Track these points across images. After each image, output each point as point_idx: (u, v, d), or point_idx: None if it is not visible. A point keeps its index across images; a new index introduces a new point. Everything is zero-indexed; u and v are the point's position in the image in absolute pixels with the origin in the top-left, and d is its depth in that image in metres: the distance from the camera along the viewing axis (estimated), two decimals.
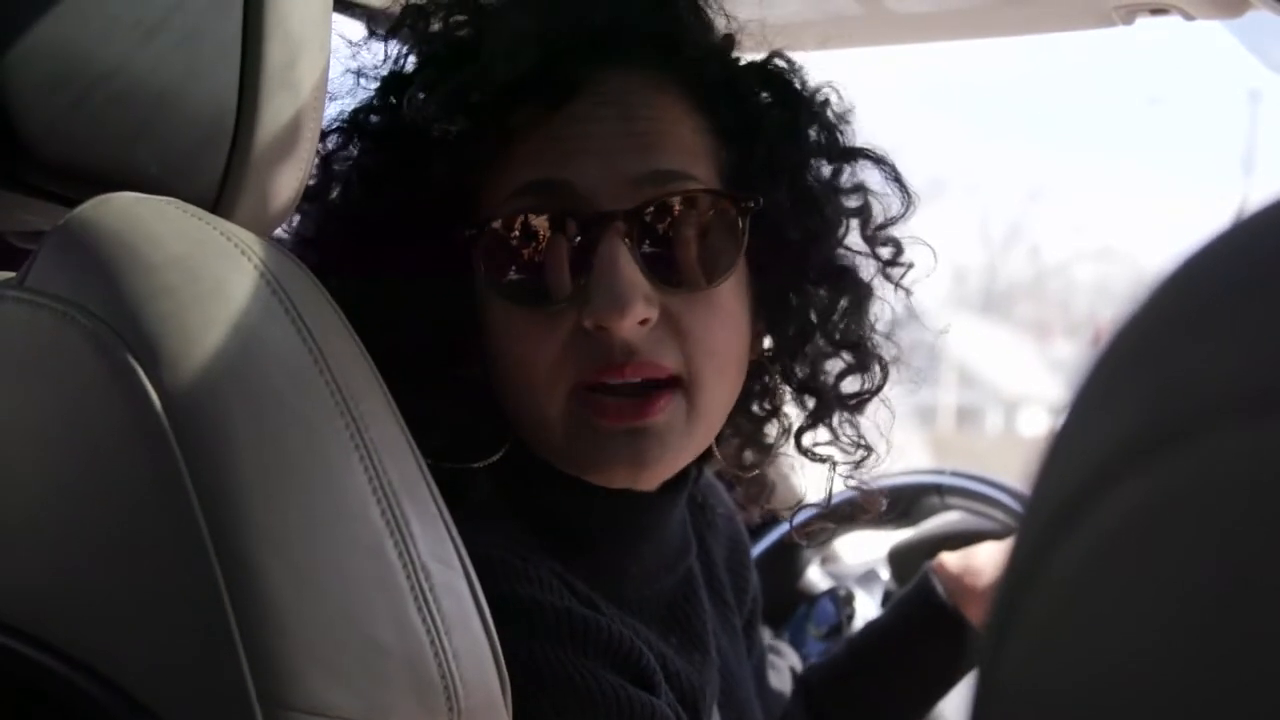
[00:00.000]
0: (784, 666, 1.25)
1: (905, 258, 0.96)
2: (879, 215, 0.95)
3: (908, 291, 0.97)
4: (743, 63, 0.94)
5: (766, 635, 1.57)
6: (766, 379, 0.99)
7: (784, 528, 1.58)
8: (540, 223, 0.83)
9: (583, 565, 0.87)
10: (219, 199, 0.67)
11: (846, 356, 0.96)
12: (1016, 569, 0.27)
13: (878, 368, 0.97)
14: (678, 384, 0.84)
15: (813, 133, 0.93)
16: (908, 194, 0.94)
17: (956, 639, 1.19)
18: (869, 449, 0.99)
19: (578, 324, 0.82)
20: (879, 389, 0.97)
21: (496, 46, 0.83)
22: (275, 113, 0.66)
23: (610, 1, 0.87)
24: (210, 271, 0.61)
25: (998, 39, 1.24)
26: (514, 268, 0.83)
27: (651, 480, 0.88)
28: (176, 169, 0.65)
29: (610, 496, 0.88)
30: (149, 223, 0.62)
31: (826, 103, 0.94)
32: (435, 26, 0.89)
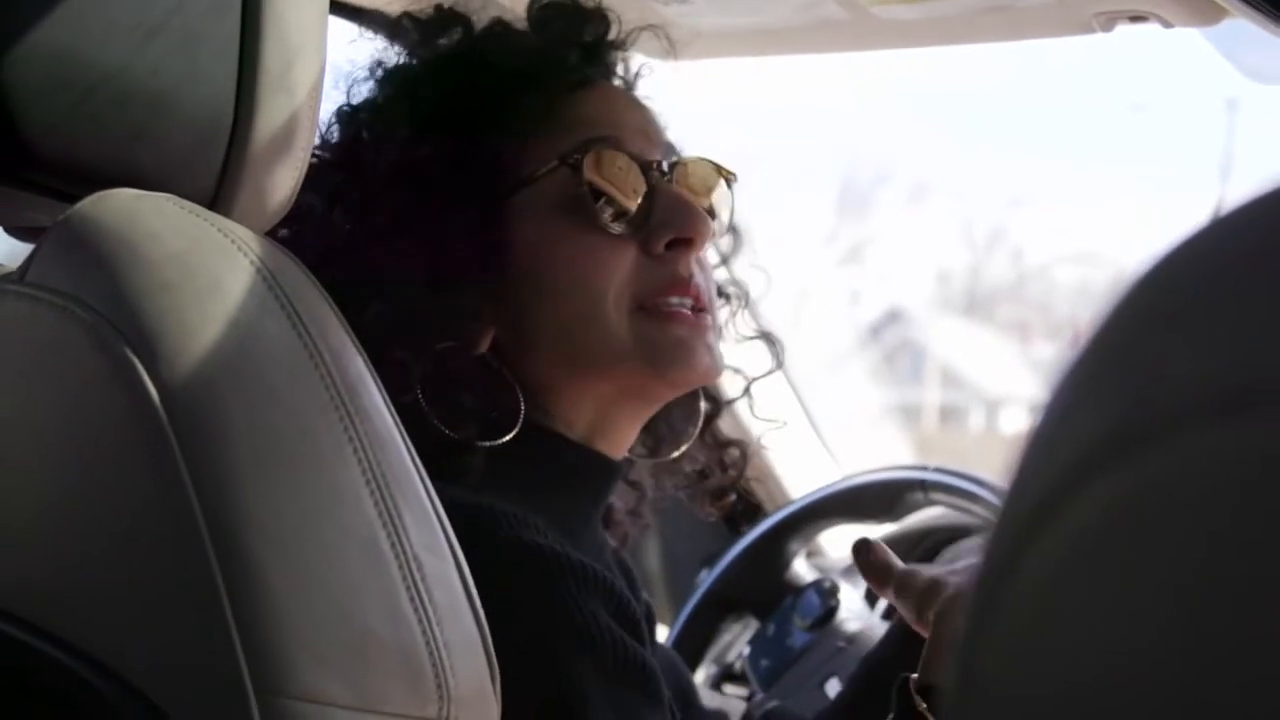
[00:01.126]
0: (739, 705, 1.26)
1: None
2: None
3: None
4: None
5: (745, 631, 1.59)
6: None
7: (770, 522, 1.59)
8: (617, 159, 0.97)
9: (561, 531, 0.91)
10: (216, 197, 0.68)
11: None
12: (994, 566, 0.27)
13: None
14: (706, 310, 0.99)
15: None
16: (738, 234, 1.18)
17: None
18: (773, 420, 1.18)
19: (643, 250, 0.96)
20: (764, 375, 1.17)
21: (536, 44, 1.02)
22: (272, 114, 0.67)
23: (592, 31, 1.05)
24: (208, 268, 0.62)
25: (982, 45, 1.25)
26: (591, 199, 0.95)
27: (714, 377, 1.01)
28: (175, 167, 0.66)
29: (598, 459, 0.98)
30: (148, 219, 0.63)
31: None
32: (443, 41, 1.04)
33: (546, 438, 0.96)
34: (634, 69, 1.09)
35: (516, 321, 0.96)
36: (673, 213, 0.96)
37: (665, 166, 0.99)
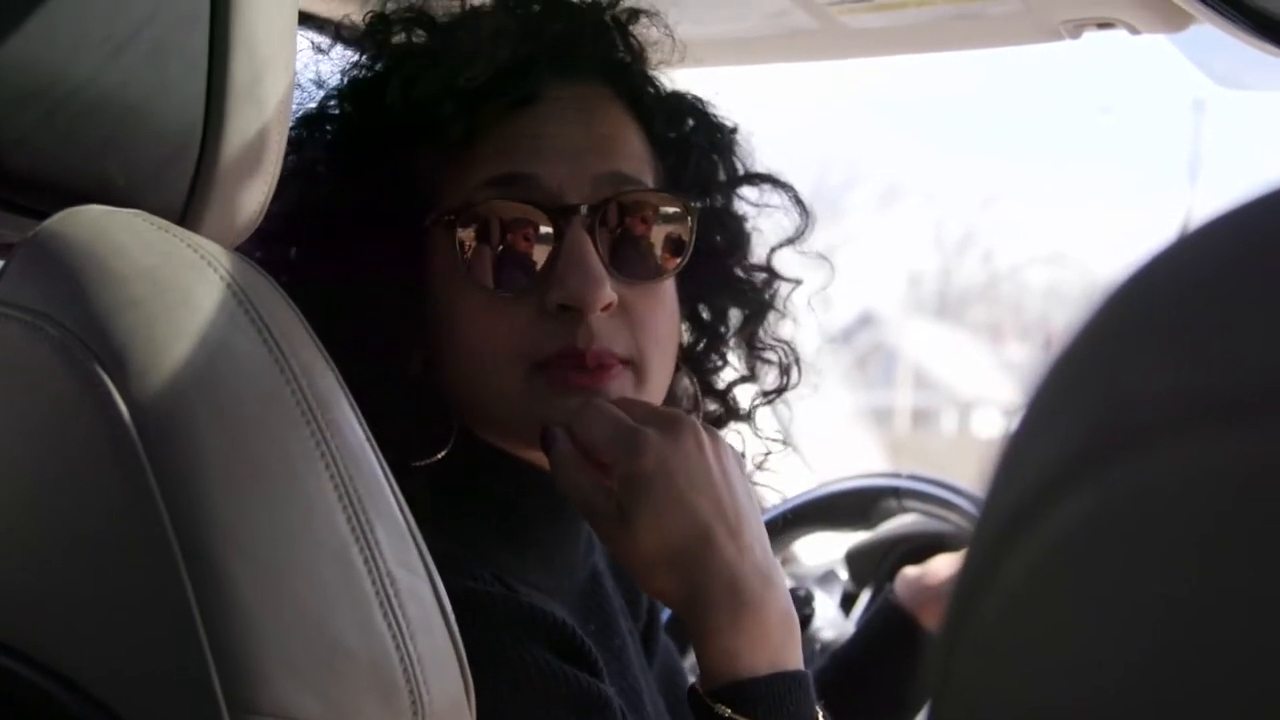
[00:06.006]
0: None
1: (796, 276, 1.07)
2: (781, 234, 1.05)
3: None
4: (668, 89, 1.02)
5: None
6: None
7: None
8: (510, 211, 0.89)
9: (514, 556, 0.91)
10: (186, 212, 0.67)
11: (747, 363, 1.06)
12: (968, 579, 0.28)
13: (779, 375, 1.06)
14: (628, 364, 0.90)
15: (725, 157, 1.03)
16: (806, 215, 1.04)
17: (920, 651, 1.20)
18: (778, 445, 1.07)
19: (539, 307, 0.89)
20: (779, 393, 1.07)
21: (466, 51, 0.90)
22: (241, 127, 0.67)
23: (565, 20, 0.94)
24: (177, 283, 0.61)
25: (951, 53, 1.26)
26: (482, 253, 0.89)
27: None
28: (144, 182, 0.66)
29: (546, 480, 0.91)
30: (117, 235, 0.62)
31: (735, 131, 1.04)
32: (398, 38, 0.95)
33: (498, 460, 0.93)
34: (626, 60, 0.98)
35: (436, 357, 0.93)
36: (565, 275, 0.88)
37: (585, 210, 0.89)
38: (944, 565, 1.26)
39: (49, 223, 0.63)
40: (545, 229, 0.89)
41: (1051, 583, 0.25)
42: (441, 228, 0.90)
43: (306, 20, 1.19)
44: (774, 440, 1.08)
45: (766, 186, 1.04)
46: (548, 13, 0.94)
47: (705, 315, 1.05)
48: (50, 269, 0.61)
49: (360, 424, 0.64)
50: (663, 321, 0.94)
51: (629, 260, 0.91)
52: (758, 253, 1.05)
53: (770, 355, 1.06)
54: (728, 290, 1.04)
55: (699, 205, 0.96)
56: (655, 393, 0.93)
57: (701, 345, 1.05)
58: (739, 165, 1.04)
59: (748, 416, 1.07)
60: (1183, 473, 0.23)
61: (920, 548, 1.44)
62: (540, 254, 0.89)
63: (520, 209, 0.89)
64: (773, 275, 1.05)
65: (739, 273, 1.04)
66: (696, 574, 0.83)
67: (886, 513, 1.53)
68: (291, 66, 0.70)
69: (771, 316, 1.06)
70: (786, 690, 0.84)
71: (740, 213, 1.04)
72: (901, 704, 1.20)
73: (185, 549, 0.57)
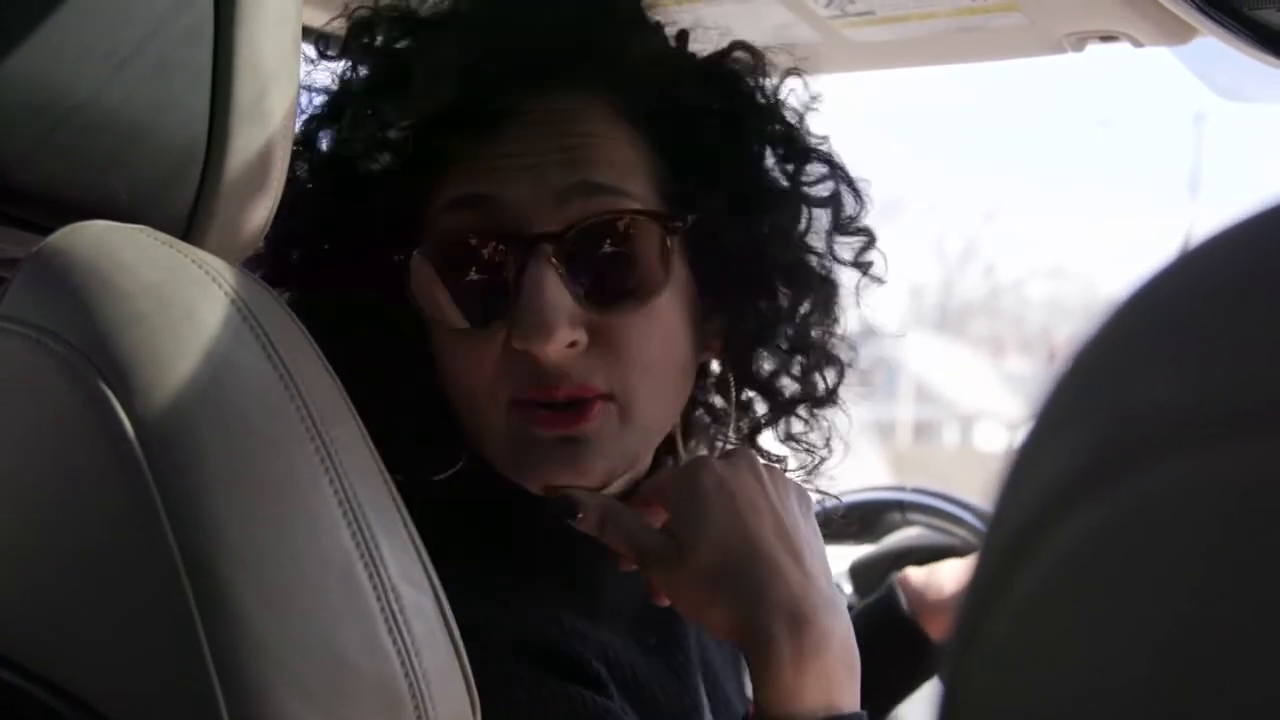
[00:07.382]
0: None
1: (868, 256, 0.97)
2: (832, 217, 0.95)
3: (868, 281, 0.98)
4: (693, 60, 0.93)
5: None
6: (722, 377, 1.00)
7: None
8: (469, 239, 0.84)
9: (539, 577, 0.89)
10: (190, 227, 0.67)
11: (799, 360, 0.97)
12: (978, 590, 0.28)
13: (832, 371, 0.98)
14: (610, 397, 0.85)
15: (766, 132, 0.94)
16: (859, 197, 0.95)
17: (914, 651, 1.21)
18: (823, 452, 1.00)
19: (509, 343, 0.83)
20: (832, 392, 0.98)
21: (419, 77, 0.84)
22: (245, 142, 0.67)
23: (542, 24, 0.87)
24: (182, 299, 0.61)
25: (953, 66, 1.26)
26: (447, 285, 0.85)
27: (593, 483, 0.87)
28: (148, 198, 0.66)
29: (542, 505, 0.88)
30: (121, 251, 0.62)
31: (781, 103, 0.95)
32: (378, 41, 0.90)
33: (503, 483, 0.90)
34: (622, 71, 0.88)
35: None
36: (523, 315, 0.82)
37: (548, 240, 0.82)
38: (949, 572, 1.25)
39: (52, 238, 0.63)
40: (508, 260, 0.83)
41: (1060, 595, 0.25)
42: (414, 257, 0.86)
43: (311, 35, 1.19)
44: (818, 447, 1.01)
45: (820, 169, 0.94)
46: (518, 26, 0.87)
47: (742, 314, 0.95)
48: (54, 285, 0.61)
49: (365, 439, 0.64)
50: (652, 347, 0.86)
51: (602, 288, 0.84)
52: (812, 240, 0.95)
53: (819, 350, 0.98)
54: (766, 284, 0.94)
55: (679, 224, 0.87)
56: (646, 419, 0.87)
57: (744, 345, 0.96)
58: (779, 141, 0.94)
59: (805, 412, 0.99)
60: (1187, 485, 0.23)
61: (925, 561, 1.44)
62: (506, 287, 0.83)
63: (478, 237, 0.84)
64: (830, 261, 0.95)
65: (780, 262, 0.94)
66: (758, 601, 0.80)
67: (891, 526, 1.53)
68: (296, 81, 0.70)
69: (827, 306, 0.96)
70: None
71: (775, 198, 0.93)
72: (884, 698, 1.20)
73: (188, 564, 0.56)
